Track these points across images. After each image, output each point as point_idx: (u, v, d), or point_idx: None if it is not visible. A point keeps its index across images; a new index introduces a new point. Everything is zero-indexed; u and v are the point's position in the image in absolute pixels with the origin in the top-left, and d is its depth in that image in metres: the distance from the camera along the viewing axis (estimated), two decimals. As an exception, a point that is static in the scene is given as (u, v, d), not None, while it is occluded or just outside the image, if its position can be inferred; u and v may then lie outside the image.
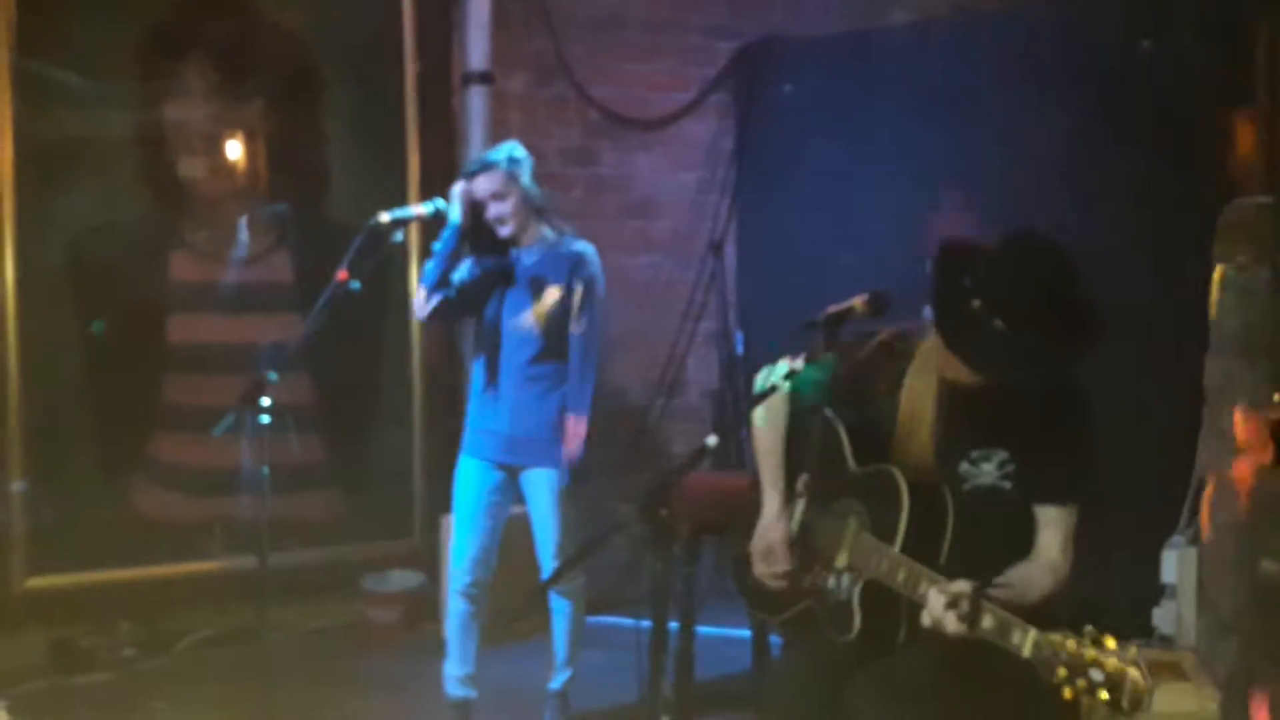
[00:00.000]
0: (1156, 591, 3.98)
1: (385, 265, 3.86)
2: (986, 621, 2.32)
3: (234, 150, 5.11)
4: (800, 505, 2.85)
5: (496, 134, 5.30)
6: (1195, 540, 3.90)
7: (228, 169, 5.11)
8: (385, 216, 3.70)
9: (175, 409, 4.98)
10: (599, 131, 5.70)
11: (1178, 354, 4.10)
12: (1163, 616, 3.92)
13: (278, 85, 5.12)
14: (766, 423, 2.96)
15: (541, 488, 3.95)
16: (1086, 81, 4.62)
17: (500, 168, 3.88)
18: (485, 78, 5.29)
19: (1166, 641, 3.85)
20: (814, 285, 3.44)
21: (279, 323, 5.00)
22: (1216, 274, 3.83)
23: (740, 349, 5.68)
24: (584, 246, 3.98)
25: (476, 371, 4.02)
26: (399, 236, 3.76)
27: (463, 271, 3.92)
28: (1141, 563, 4.03)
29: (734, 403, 5.63)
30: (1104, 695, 2.12)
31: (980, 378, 2.62)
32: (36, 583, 4.74)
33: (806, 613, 2.80)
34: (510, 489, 4.02)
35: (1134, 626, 3.87)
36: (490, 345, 3.95)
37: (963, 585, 2.35)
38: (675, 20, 5.75)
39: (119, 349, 4.88)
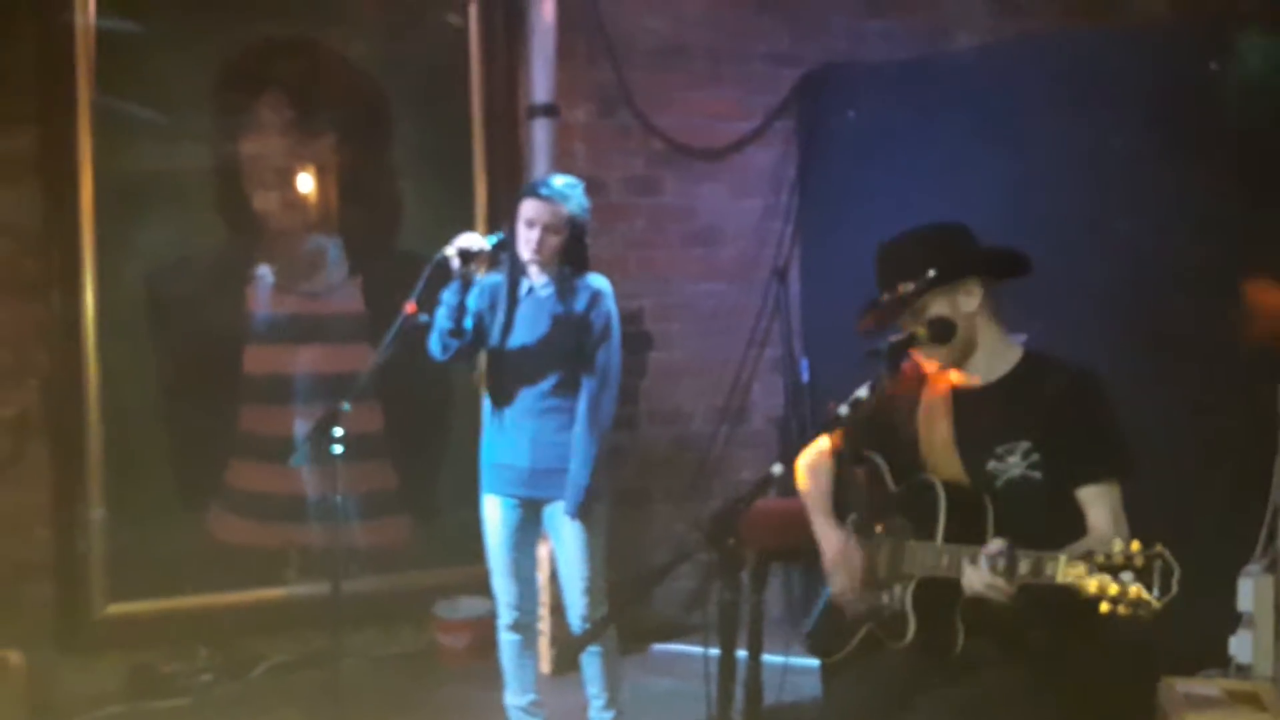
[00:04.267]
0: (1233, 620, 3.91)
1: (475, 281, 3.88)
2: (1022, 566, 2.42)
3: (306, 184, 5.21)
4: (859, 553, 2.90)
5: (561, 165, 5.36)
6: (1272, 568, 3.84)
7: (300, 202, 5.20)
8: (452, 251, 3.73)
9: (250, 438, 5.07)
10: (662, 161, 5.73)
11: (1252, 380, 4.05)
12: (1239, 646, 3.86)
13: (348, 120, 5.21)
14: (809, 470, 3.10)
15: (565, 521, 3.84)
16: (1153, 104, 4.57)
17: (570, 202, 3.83)
18: (550, 110, 5.35)
19: (1244, 671, 3.78)
20: (879, 313, 3.45)
21: (351, 353, 5.09)
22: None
23: (805, 376, 5.67)
24: (599, 281, 3.89)
25: (488, 404, 3.93)
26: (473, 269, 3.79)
27: (472, 302, 3.87)
28: (1217, 591, 3.97)
29: (799, 429, 5.62)
30: (1135, 591, 2.22)
31: (963, 369, 2.81)
32: (116, 609, 4.83)
33: (867, 639, 2.83)
34: (536, 521, 3.94)
35: (1211, 656, 3.81)
36: (503, 377, 3.88)
37: (997, 543, 2.48)
38: (738, 48, 5.77)
39: (196, 379, 4.97)
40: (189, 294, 4.98)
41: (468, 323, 3.86)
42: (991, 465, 2.74)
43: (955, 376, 2.85)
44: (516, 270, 3.86)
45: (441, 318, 3.82)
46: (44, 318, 4.75)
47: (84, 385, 4.78)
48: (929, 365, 2.88)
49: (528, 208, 3.80)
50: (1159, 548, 2.25)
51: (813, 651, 3.05)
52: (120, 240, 4.84)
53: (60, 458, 4.77)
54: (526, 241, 3.78)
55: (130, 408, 4.88)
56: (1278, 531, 3.80)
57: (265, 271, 5.12)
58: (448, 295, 3.80)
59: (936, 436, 2.85)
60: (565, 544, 3.88)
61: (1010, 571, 2.41)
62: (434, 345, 3.86)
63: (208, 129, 5.02)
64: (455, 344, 3.85)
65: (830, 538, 2.98)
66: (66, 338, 4.76)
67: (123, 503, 4.84)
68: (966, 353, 2.81)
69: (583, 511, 3.80)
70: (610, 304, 3.87)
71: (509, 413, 3.87)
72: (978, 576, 2.46)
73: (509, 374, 3.86)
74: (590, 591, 3.88)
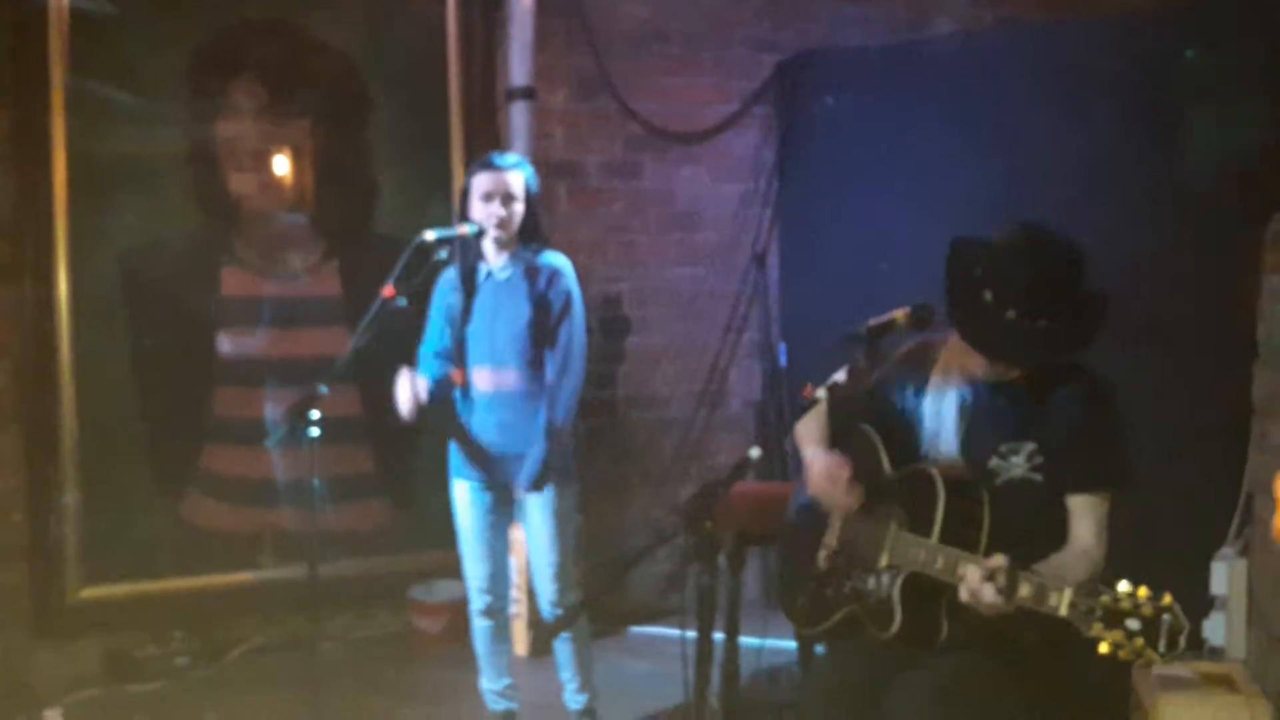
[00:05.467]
0: (1206, 603, 3.95)
1: (430, 281, 3.89)
2: (1023, 590, 2.39)
3: (282, 167, 5.18)
4: (840, 516, 2.88)
5: (539, 148, 5.35)
6: (1245, 552, 3.87)
7: (276, 185, 5.17)
8: (430, 235, 3.68)
9: (226, 421, 5.05)
10: (641, 145, 5.72)
11: (1226, 365, 4.07)
12: (1213, 629, 3.88)
13: (325, 103, 5.18)
14: (807, 423, 3.03)
15: (535, 505, 3.85)
16: (1130, 92, 4.59)
17: (523, 171, 3.84)
18: (528, 93, 5.33)
19: (1216, 654, 3.81)
20: (856, 297, 3.46)
21: (327, 336, 5.08)
22: (1265, 285, 3.80)
23: (783, 361, 5.68)
24: (557, 258, 3.88)
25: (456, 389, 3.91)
26: (443, 254, 3.77)
27: (440, 306, 3.89)
28: (1191, 574, 4.00)
29: (777, 414, 5.64)
30: (1140, 643, 2.19)
31: (999, 370, 2.71)
32: (90, 593, 4.81)
33: (848, 619, 2.83)
34: (507, 504, 3.94)
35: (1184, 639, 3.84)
36: (468, 362, 3.85)
37: (999, 559, 2.43)
38: (717, 33, 5.77)
39: (170, 362, 4.95)
40: (163, 277, 4.96)
41: (448, 340, 3.86)
42: (994, 463, 2.72)
43: (970, 366, 2.79)
44: (473, 255, 3.84)
45: (429, 366, 3.87)
46: (17, 301, 4.71)
47: (57, 369, 4.76)
48: (947, 347, 2.84)
49: (483, 181, 3.79)
50: (1168, 599, 2.21)
51: (792, 620, 3.04)
52: (94, 223, 4.81)
53: (34, 442, 4.75)
54: (489, 215, 3.75)
55: (104, 391, 4.85)
56: (1250, 516, 3.83)
57: (240, 255, 5.09)
58: (430, 347, 3.88)
59: (942, 424, 2.82)
60: (534, 528, 3.87)
61: (1010, 591, 2.39)
62: (406, 395, 3.79)
63: (182, 112, 4.98)
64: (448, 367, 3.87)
65: (816, 457, 2.91)
66: (39, 321, 4.73)
67: (97, 486, 4.82)
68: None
69: (542, 486, 3.79)
70: (570, 281, 3.86)
71: (476, 397, 3.86)
72: (976, 591, 2.43)
73: (474, 359, 3.84)
74: (559, 577, 3.87)
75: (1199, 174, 4.43)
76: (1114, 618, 2.22)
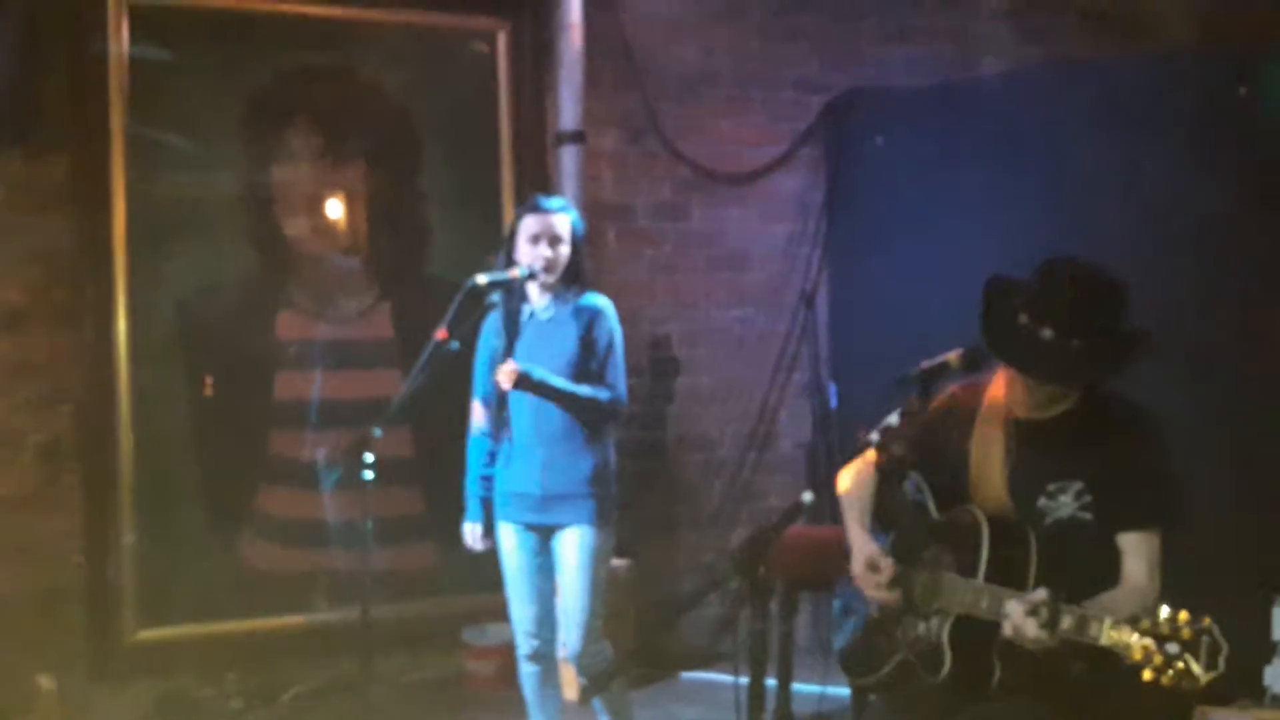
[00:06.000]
0: (1268, 649, 3.87)
1: (479, 325, 3.91)
2: (1065, 622, 2.38)
3: (336, 210, 5.25)
4: (889, 563, 2.87)
5: (588, 191, 5.39)
6: (1308, 596, 3.80)
7: (330, 229, 5.24)
8: (482, 279, 3.70)
9: (281, 463, 5.09)
10: (689, 186, 5.75)
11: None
12: (1274, 675, 3.81)
13: (378, 147, 5.25)
14: (851, 482, 3.04)
15: (572, 547, 3.79)
16: (1181, 129, 4.56)
17: (570, 214, 3.87)
18: (577, 136, 5.37)
19: (1278, 701, 3.74)
20: (906, 337, 3.45)
21: (380, 378, 5.12)
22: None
23: (833, 402, 5.66)
24: (600, 299, 3.89)
25: (500, 432, 3.90)
26: (495, 298, 3.81)
27: (486, 348, 3.91)
28: (1252, 619, 3.93)
29: (827, 455, 5.61)
30: (1181, 665, 2.18)
31: (1043, 408, 2.70)
32: (146, 635, 4.85)
33: (901, 667, 2.81)
34: (550, 548, 3.89)
35: (1244, 686, 3.77)
36: (511, 404, 3.84)
37: (1041, 593, 2.42)
38: (765, 75, 5.79)
39: (227, 405, 5.01)
40: (220, 320, 5.03)
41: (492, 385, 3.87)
42: (1042, 503, 2.70)
43: (1014, 406, 2.78)
44: (517, 298, 3.86)
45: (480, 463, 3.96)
46: (77, 345, 4.80)
47: (116, 411, 4.82)
48: (989, 390, 2.83)
49: (531, 224, 3.81)
50: (1207, 621, 2.21)
51: (845, 670, 3.02)
52: (152, 267, 4.89)
53: (92, 484, 4.81)
54: (536, 257, 3.78)
55: (161, 434, 4.91)
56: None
57: (295, 298, 5.15)
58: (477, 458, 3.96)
59: (988, 467, 2.80)
60: (571, 570, 3.82)
61: (1053, 624, 2.38)
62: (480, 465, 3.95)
63: (239, 157, 5.07)
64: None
65: (861, 545, 2.92)
66: (99, 364, 4.80)
67: (154, 529, 4.87)
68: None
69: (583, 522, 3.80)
70: (611, 322, 3.87)
71: (519, 440, 3.85)
72: (1019, 626, 2.42)
73: (517, 401, 3.84)
74: (585, 624, 3.81)
75: (1250, 210, 4.38)
76: (1154, 643, 2.21)
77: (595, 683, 3.80)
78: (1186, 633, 2.20)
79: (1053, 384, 2.67)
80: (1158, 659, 2.20)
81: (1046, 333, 2.61)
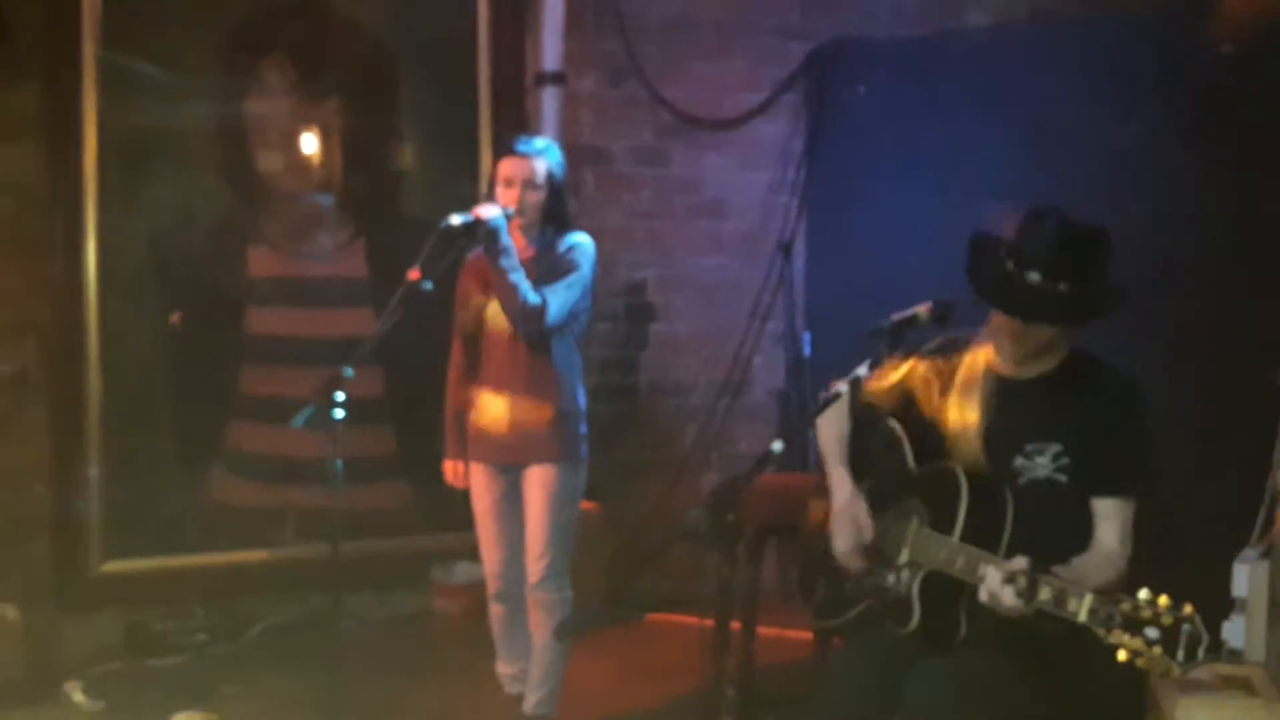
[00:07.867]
0: (1226, 605, 3.92)
1: (456, 265, 3.89)
2: (1043, 593, 2.39)
3: (310, 146, 5.19)
4: (870, 524, 2.88)
5: (568, 134, 5.35)
6: (1267, 554, 3.84)
7: (304, 165, 5.19)
8: (456, 220, 3.65)
9: (251, 399, 5.07)
10: (670, 132, 5.71)
11: (1252, 366, 4.05)
12: (1233, 631, 3.86)
13: (354, 84, 5.19)
14: (829, 422, 3.03)
15: (537, 485, 3.80)
16: (1165, 87, 4.56)
17: (546, 157, 3.80)
18: (558, 78, 5.33)
19: (1236, 656, 3.79)
20: (882, 288, 3.45)
21: (353, 317, 5.09)
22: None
23: (807, 350, 5.67)
24: (580, 235, 3.83)
25: (471, 373, 3.91)
26: (468, 237, 3.78)
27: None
28: (1212, 576, 3.98)
29: (800, 403, 5.62)
30: (1158, 652, 2.18)
31: (1025, 367, 2.71)
32: (113, 566, 4.85)
33: (867, 613, 2.83)
34: (519, 489, 3.90)
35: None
36: (481, 344, 3.85)
37: (1020, 561, 2.43)
38: (747, 21, 5.74)
39: (197, 339, 4.97)
40: (191, 254, 4.98)
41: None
42: (1019, 462, 2.70)
43: (996, 364, 2.78)
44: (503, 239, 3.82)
45: None
46: (46, 275, 4.74)
47: (84, 343, 4.79)
48: (972, 348, 2.83)
49: (505, 166, 3.79)
50: (1189, 609, 2.20)
51: (811, 614, 3.04)
52: (123, 199, 4.83)
53: (59, 415, 4.78)
54: (507, 199, 3.74)
55: (130, 366, 4.88)
56: (1273, 518, 3.81)
57: (268, 234, 5.10)
58: None
59: (966, 422, 2.79)
60: (535, 507, 3.81)
61: (1030, 595, 2.39)
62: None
63: (214, 88, 5.00)
64: None
65: (841, 488, 2.94)
66: (68, 296, 4.76)
67: (121, 460, 4.85)
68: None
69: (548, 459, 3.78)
70: (581, 254, 3.79)
71: (489, 380, 3.85)
72: (995, 593, 2.43)
73: (488, 341, 3.84)
74: (543, 559, 3.79)
75: (1233, 172, 4.39)
76: (1133, 626, 2.21)
77: (548, 620, 3.80)
78: (1167, 619, 2.19)
79: (1041, 324, 2.67)
80: (1136, 643, 2.20)
81: (1034, 276, 2.62)
